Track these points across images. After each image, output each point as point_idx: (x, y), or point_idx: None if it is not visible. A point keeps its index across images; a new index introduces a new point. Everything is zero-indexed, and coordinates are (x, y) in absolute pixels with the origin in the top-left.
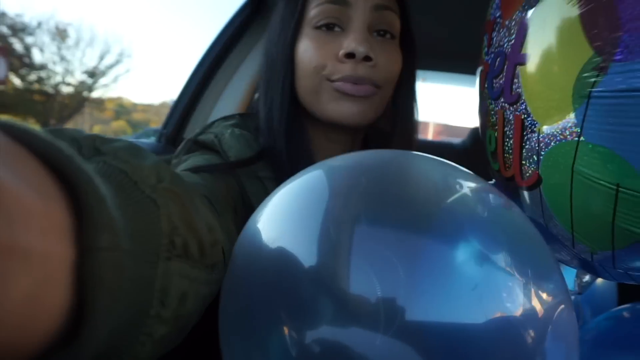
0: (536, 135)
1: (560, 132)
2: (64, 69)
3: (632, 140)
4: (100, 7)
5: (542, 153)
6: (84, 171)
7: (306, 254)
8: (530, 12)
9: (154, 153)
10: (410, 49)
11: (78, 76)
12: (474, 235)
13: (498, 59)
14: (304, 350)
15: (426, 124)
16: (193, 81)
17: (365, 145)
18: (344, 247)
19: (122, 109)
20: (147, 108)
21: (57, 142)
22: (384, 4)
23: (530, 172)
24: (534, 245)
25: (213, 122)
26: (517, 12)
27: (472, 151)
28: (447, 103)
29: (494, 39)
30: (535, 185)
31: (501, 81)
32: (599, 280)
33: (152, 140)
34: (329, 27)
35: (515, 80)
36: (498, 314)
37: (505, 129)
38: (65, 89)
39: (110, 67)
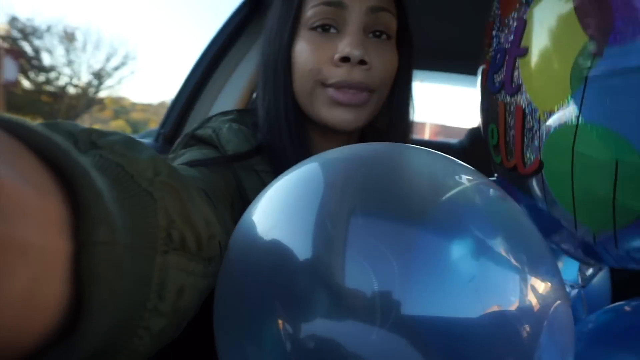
0: (537, 122)
1: (560, 117)
2: (71, 71)
3: (629, 117)
4: (107, 12)
5: (543, 139)
6: (80, 165)
7: (301, 247)
8: (528, 9)
9: None
10: (406, 48)
11: (85, 78)
12: (470, 229)
13: (498, 55)
14: (299, 343)
15: (423, 125)
16: (191, 80)
17: (362, 141)
18: (339, 240)
19: (121, 109)
20: (146, 107)
21: (53, 136)
22: (380, 6)
23: (532, 159)
24: (531, 240)
25: (211, 117)
26: (515, 10)
27: (470, 151)
28: (444, 104)
29: (494, 37)
30: (537, 171)
31: (502, 75)
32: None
33: (149, 140)
34: (324, 28)
35: (515, 72)
36: (494, 308)
37: (507, 120)
38: (73, 90)
39: (116, 69)
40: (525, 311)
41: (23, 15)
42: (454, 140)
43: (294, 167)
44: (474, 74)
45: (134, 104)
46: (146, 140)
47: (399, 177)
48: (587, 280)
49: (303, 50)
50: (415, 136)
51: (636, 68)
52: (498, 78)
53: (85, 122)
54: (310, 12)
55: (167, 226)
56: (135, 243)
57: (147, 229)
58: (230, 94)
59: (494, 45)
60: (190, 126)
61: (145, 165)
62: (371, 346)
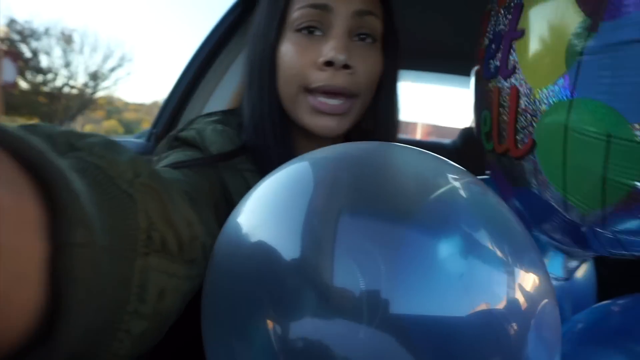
0: (531, 102)
1: (554, 94)
2: (68, 72)
3: (622, 90)
4: (104, 14)
5: (537, 117)
6: (56, 166)
7: (289, 246)
8: None
9: (144, 152)
10: (392, 51)
11: (82, 79)
12: (458, 228)
13: (494, 42)
14: (287, 342)
15: (414, 125)
16: (183, 80)
17: (348, 142)
18: (327, 239)
19: (114, 109)
20: (139, 107)
21: (29, 138)
22: (366, 9)
23: (525, 139)
24: (518, 240)
25: (195, 119)
26: None
27: (463, 151)
28: (437, 104)
29: (490, 25)
30: (529, 151)
31: (497, 60)
32: (579, 276)
33: (143, 140)
34: (309, 30)
35: (511, 55)
36: (482, 307)
37: (501, 104)
38: (70, 91)
39: (112, 70)
40: (513, 309)
41: (21, 18)
42: (446, 140)
43: (281, 166)
44: (467, 74)
45: (126, 104)
46: (140, 141)
47: (387, 176)
48: (570, 273)
49: (288, 52)
50: (407, 136)
51: (630, 41)
52: (493, 63)
53: (78, 122)
54: (296, 14)
55: (147, 228)
56: (114, 245)
57: (127, 231)
58: (223, 94)
59: (490, 33)
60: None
61: (125, 167)
62: (359, 345)
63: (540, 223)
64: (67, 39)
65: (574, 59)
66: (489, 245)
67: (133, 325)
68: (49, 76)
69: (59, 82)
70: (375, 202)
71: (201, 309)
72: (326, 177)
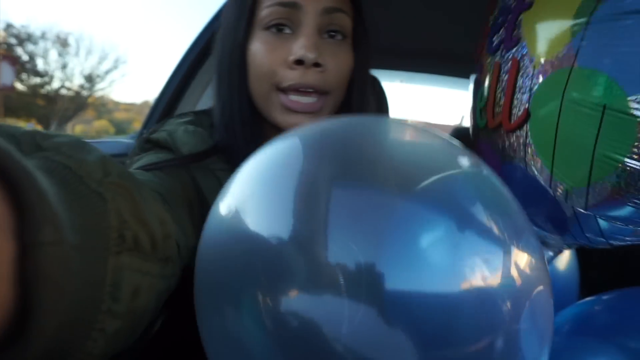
0: (530, 73)
1: (555, 63)
2: (64, 75)
3: (624, 60)
4: (99, 18)
5: (535, 86)
6: (22, 166)
7: (278, 223)
8: None
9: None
10: (363, 48)
11: (77, 81)
12: (450, 202)
13: (501, 15)
14: (277, 315)
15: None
16: (174, 80)
17: None
18: (317, 212)
19: (104, 108)
20: (129, 107)
21: None
22: (335, 7)
23: (520, 111)
24: (516, 220)
25: (166, 120)
26: None
27: None
28: (427, 102)
29: (499, 2)
30: (522, 124)
31: (502, 34)
32: (561, 269)
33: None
34: (278, 28)
35: (516, 28)
36: (477, 284)
37: (500, 77)
38: (66, 93)
39: (107, 72)
40: (508, 289)
41: (18, 22)
42: None
43: (269, 142)
44: (458, 75)
45: (117, 104)
46: (130, 141)
47: (377, 149)
48: (548, 262)
49: (258, 51)
50: None
51: (635, 11)
52: (497, 37)
53: (69, 122)
54: (264, 12)
55: (118, 226)
56: (85, 243)
57: (98, 230)
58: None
59: (497, 9)
60: None
61: (93, 167)
62: (349, 320)
63: (524, 205)
64: (62, 42)
65: (580, 28)
66: (486, 222)
67: (107, 324)
68: (46, 79)
69: (55, 85)
70: (365, 177)
71: (194, 277)
72: (316, 150)
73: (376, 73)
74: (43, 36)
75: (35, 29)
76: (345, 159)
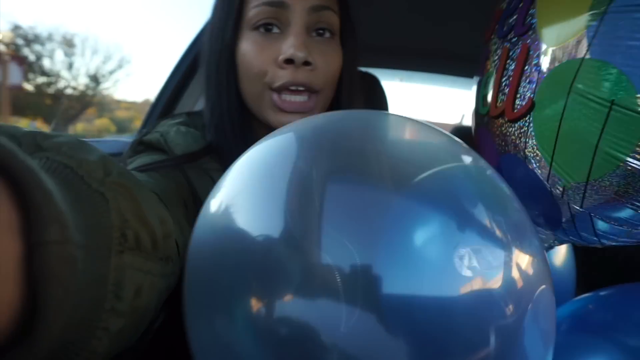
0: (539, 61)
1: (566, 53)
2: (70, 75)
3: (638, 55)
4: (104, 19)
5: (543, 75)
6: (27, 165)
7: (270, 224)
8: None
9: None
10: (351, 45)
11: (83, 80)
12: (450, 199)
13: (514, 0)
14: (270, 319)
15: None
16: (173, 79)
17: None
18: (311, 211)
19: (105, 107)
20: (130, 105)
21: None
22: (322, 4)
23: (525, 99)
24: (517, 219)
25: (159, 122)
26: None
27: None
28: (429, 101)
29: None
30: (525, 113)
31: (514, 18)
32: (558, 266)
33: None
34: (267, 28)
35: (529, 13)
36: (477, 286)
37: (507, 62)
38: (71, 93)
39: (112, 72)
40: (509, 290)
41: (26, 24)
42: None
43: (260, 140)
44: (461, 75)
45: (118, 102)
46: (129, 139)
47: (374, 145)
48: None
49: (247, 52)
50: None
51: None
52: (509, 21)
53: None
54: (252, 12)
55: (120, 226)
56: (88, 243)
57: (101, 229)
58: None
59: None
60: None
61: (94, 166)
62: (345, 324)
63: (519, 196)
64: (69, 43)
65: (596, 17)
66: (486, 221)
67: (111, 323)
68: (52, 79)
69: (61, 85)
70: (361, 174)
71: (183, 291)
72: (309, 146)
73: (376, 72)
74: (50, 37)
75: (42, 30)
76: (339, 155)
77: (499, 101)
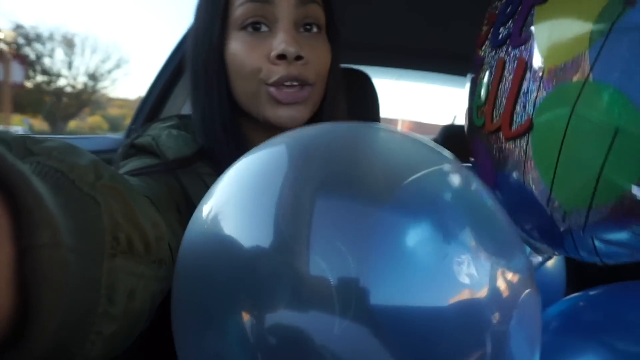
0: (538, 78)
1: (567, 73)
2: (70, 73)
3: None
4: (104, 19)
5: (542, 97)
6: (17, 169)
7: (260, 236)
8: None
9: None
10: (336, 39)
11: (82, 79)
12: (436, 212)
13: (510, 5)
14: (261, 334)
15: (395, 122)
16: (163, 76)
17: None
18: (299, 227)
19: (98, 104)
20: (123, 103)
21: None
22: None
23: (521, 120)
24: (500, 228)
25: (150, 125)
26: None
27: (444, 146)
28: (418, 101)
29: None
30: (523, 133)
31: (510, 26)
32: (548, 265)
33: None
34: (255, 27)
35: (527, 22)
36: (462, 297)
37: (503, 77)
38: (71, 91)
39: (110, 71)
40: (494, 299)
41: (27, 23)
42: (427, 137)
43: (248, 152)
44: (449, 72)
45: (110, 99)
46: (119, 137)
47: (362, 158)
48: (535, 268)
49: (237, 52)
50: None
51: None
52: (504, 30)
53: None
54: (238, 12)
55: (112, 229)
56: (80, 246)
57: (92, 233)
58: None
59: None
60: None
61: (85, 170)
62: (335, 337)
63: (517, 214)
64: (69, 43)
65: (601, 35)
66: (472, 232)
67: (104, 327)
68: (52, 77)
69: (61, 83)
70: (350, 186)
71: (171, 302)
72: (296, 161)
73: (368, 70)
74: (51, 36)
75: (43, 29)
76: (328, 171)
77: (495, 116)
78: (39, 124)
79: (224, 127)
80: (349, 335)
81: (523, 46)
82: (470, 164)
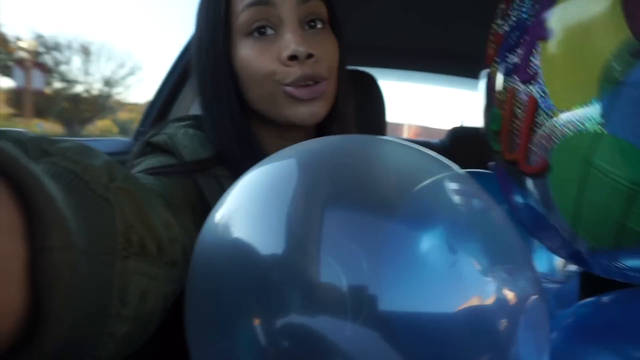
0: (551, 120)
1: (580, 120)
2: (86, 80)
3: None
4: (119, 29)
5: (556, 141)
6: (30, 171)
7: (271, 243)
8: None
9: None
10: (340, 34)
11: (98, 86)
12: (443, 221)
13: (516, 32)
14: (273, 340)
15: (401, 126)
16: (170, 79)
17: (318, 134)
18: (309, 234)
19: (110, 109)
20: (133, 107)
21: (1, 144)
22: None
23: (538, 159)
24: (505, 233)
25: (166, 124)
26: None
27: (451, 150)
28: (425, 105)
29: (514, 5)
30: (541, 173)
31: (516, 57)
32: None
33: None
34: (260, 31)
35: (534, 57)
36: (470, 303)
37: (515, 109)
38: (87, 97)
39: (125, 77)
40: (502, 305)
41: (47, 33)
42: (434, 140)
43: (260, 162)
44: (458, 74)
45: (122, 104)
46: (127, 139)
47: (371, 168)
48: (570, 277)
49: (247, 58)
50: (394, 136)
51: None
52: (512, 59)
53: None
54: (241, 18)
55: (125, 231)
56: (93, 248)
57: (105, 234)
58: None
59: (513, 17)
60: None
61: (99, 171)
62: (346, 342)
63: (539, 234)
64: (85, 51)
65: (610, 85)
66: (477, 239)
67: (116, 328)
68: (70, 84)
69: (78, 89)
70: (359, 196)
71: (184, 309)
72: (307, 171)
73: (374, 72)
74: (69, 45)
75: (62, 38)
76: (337, 181)
77: (512, 149)
78: (56, 128)
79: (237, 133)
80: (359, 339)
81: (531, 83)
82: (479, 170)
